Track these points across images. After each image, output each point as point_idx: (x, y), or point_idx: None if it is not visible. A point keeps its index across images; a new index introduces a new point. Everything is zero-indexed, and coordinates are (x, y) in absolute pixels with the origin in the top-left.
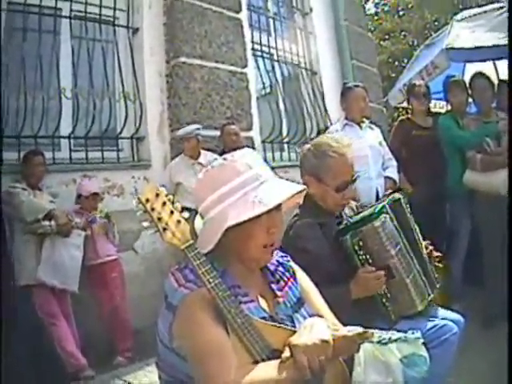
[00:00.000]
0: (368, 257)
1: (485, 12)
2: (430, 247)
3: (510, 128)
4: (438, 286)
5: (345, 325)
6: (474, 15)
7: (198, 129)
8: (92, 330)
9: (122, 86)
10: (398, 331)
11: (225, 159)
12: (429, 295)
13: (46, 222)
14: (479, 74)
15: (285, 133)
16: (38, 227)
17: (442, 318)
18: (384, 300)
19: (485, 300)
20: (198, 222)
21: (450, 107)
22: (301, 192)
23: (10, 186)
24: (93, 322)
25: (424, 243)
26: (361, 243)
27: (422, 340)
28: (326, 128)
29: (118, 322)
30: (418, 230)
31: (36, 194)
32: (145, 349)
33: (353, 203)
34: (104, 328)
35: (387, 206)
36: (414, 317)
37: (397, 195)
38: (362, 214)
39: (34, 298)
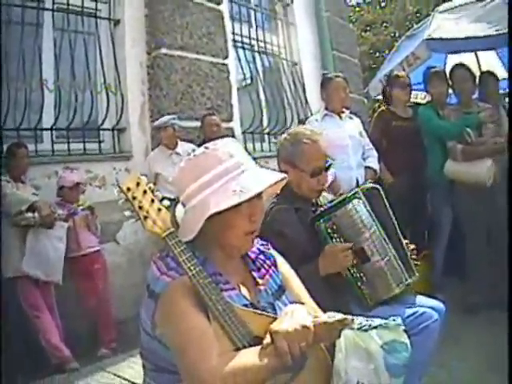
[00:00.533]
0: (342, 240)
1: (467, 3)
2: (405, 241)
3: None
4: (416, 273)
5: (322, 309)
6: (456, 7)
7: (174, 118)
8: (75, 322)
9: (104, 77)
10: (377, 318)
11: (206, 148)
12: (406, 280)
13: (30, 214)
14: (460, 65)
15: (265, 123)
16: (21, 219)
17: (422, 306)
18: (359, 283)
19: (466, 288)
20: (179, 211)
21: (430, 98)
22: (281, 180)
23: None
24: (76, 313)
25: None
26: (335, 227)
27: (402, 327)
28: (306, 118)
29: (102, 313)
30: (393, 218)
31: (19, 186)
32: (129, 340)
33: (329, 196)
34: (87, 319)
35: (360, 192)
36: (392, 303)
37: (373, 184)
38: (335, 201)
39: (18, 290)
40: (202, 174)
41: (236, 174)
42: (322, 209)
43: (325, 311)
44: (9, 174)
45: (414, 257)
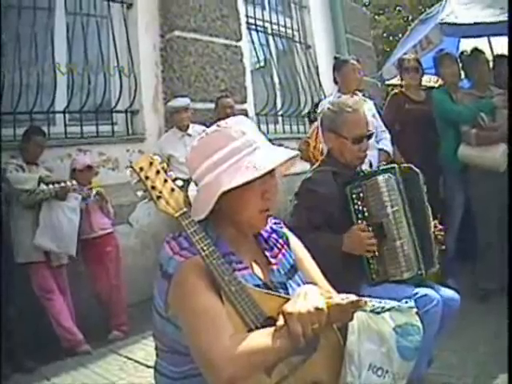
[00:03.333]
0: (364, 209)
1: None
2: (438, 228)
3: (509, 110)
4: (436, 267)
5: (332, 284)
6: None
7: (188, 100)
8: (87, 305)
9: (117, 60)
10: (377, 295)
11: (218, 126)
12: (419, 269)
13: (44, 186)
14: (474, 50)
15: (279, 106)
16: (36, 193)
17: (428, 287)
18: (369, 257)
19: (478, 274)
20: (192, 191)
21: (442, 82)
22: (294, 158)
23: (5, 162)
24: (88, 296)
25: (433, 222)
26: (361, 195)
27: (415, 309)
28: (320, 101)
29: (113, 295)
30: (427, 207)
31: (32, 169)
32: (140, 322)
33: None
34: (99, 302)
35: (397, 168)
36: (397, 283)
37: (415, 169)
38: (369, 170)
39: (30, 274)
40: (214, 152)
41: (248, 152)
42: (356, 175)
43: (334, 287)
44: (22, 157)
45: (440, 240)
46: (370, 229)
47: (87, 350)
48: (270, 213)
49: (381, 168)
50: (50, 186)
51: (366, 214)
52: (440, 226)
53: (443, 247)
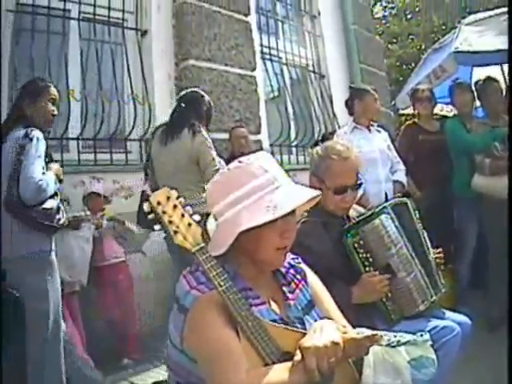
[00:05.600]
0: (368, 255)
1: (492, 16)
2: (436, 250)
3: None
4: (443, 289)
5: (348, 322)
6: (482, 19)
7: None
8: (99, 332)
9: (131, 88)
10: (398, 332)
11: (240, 162)
12: (431, 297)
13: (57, 216)
14: (488, 78)
15: (293, 136)
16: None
17: (444, 319)
18: (384, 299)
19: (489, 303)
20: (211, 224)
21: (456, 111)
22: (316, 198)
23: None
24: (100, 323)
25: (432, 250)
26: (361, 242)
27: (430, 342)
28: (334, 131)
29: (125, 323)
30: (423, 233)
31: None
32: (152, 350)
33: (360, 208)
34: (111, 329)
35: (388, 206)
36: (415, 317)
37: (403, 199)
38: (363, 215)
39: None
40: (235, 189)
41: (270, 190)
42: (349, 223)
43: (352, 325)
44: None
45: (441, 262)
46: (377, 272)
47: (97, 377)
48: (288, 250)
49: (372, 211)
50: (62, 215)
51: (371, 259)
52: (438, 250)
53: (444, 267)
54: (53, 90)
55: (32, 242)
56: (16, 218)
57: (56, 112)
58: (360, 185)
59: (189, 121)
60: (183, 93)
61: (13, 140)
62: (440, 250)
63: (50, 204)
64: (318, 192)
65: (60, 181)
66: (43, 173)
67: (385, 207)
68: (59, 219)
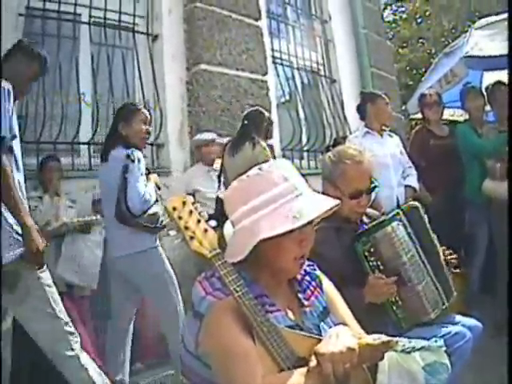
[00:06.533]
0: (379, 263)
1: (502, 20)
2: (448, 252)
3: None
4: (454, 294)
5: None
6: (492, 23)
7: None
8: None
9: (142, 92)
10: (410, 338)
11: (260, 169)
12: (443, 304)
13: (66, 219)
14: (498, 83)
15: (304, 141)
16: (60, 225)
17: (456, 323)
18: (394, 307)
19: (498, 307)
20: (227, 229)
21: (467, 116)
22: (335, 207)
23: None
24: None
25: (441, 249)
26: (372, 249)
27: (444, 348)
28: (345, 136)
29: (138, 328)
30: (434, 238)
31: (53, 199)
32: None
33: (374, 212)
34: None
35: (400, 212)
36: (427, 324)
37: (414, 203)
38: (375, 222)
39: None
40: (255, 196)
41: (290, 198)
42: (361, 230)
43: (367, 333)
44: (43, 188)
45: (453, 264)
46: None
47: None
48: (305, 258)
49: (383, 218)
50: (74, 220)
51: (382, 267)
52: (448, 252)
53: (457, 270)
54: (144, 112)
55: (142, 241)
56: (128, 225)
57: (150, 129)
58: (374, 188)
59: (250, 135)
60: (247, 111)
61: (116, 160)
62: (451, 251)
63: (154, 210)
64: (337, 201)
65: (159, 188)
66: (145, 185)
67: (397, 213)
68: (162, 220)
